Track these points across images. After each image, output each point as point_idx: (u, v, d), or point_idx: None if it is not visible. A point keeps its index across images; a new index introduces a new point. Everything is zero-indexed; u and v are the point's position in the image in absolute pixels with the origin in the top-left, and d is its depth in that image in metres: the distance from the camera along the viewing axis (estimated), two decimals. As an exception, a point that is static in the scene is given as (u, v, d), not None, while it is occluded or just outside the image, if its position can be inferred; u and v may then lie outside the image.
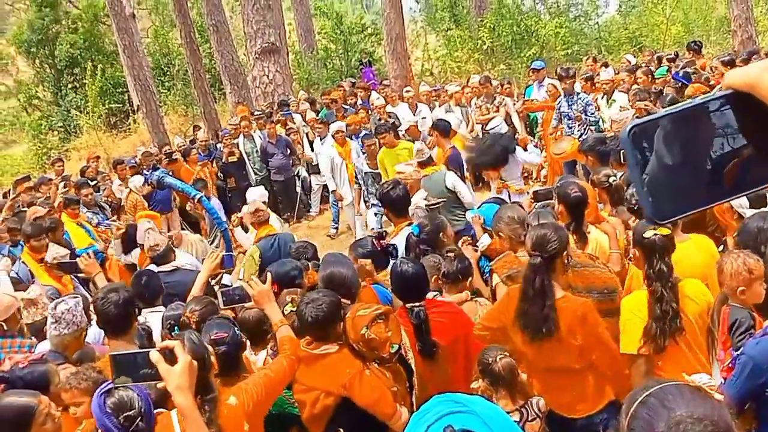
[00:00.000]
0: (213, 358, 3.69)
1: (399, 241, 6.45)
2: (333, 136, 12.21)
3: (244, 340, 4.39)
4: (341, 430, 4.14)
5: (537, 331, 4.35)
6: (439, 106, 14.01)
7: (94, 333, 5.45)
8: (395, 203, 6.94)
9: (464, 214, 7.78)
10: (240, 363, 4.22)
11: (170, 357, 2.73)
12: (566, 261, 4.54)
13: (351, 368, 4.13)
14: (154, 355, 2.71)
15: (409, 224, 6.63)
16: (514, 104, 13.37)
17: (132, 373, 2.82)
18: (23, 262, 8.21)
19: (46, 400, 3.65)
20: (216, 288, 5.95)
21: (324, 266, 5.03)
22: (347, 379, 4.09)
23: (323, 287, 4.66)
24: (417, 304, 4.71)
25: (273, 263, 5.77)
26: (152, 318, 5.70)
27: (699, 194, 0.89)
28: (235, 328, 4.23)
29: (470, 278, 5.48)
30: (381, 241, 5.86)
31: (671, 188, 0.88)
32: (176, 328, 5.02)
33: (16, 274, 7.92)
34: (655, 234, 4.35)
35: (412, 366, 4.53)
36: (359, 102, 15.53)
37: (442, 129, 9.97)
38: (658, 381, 2.05)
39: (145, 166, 13.70)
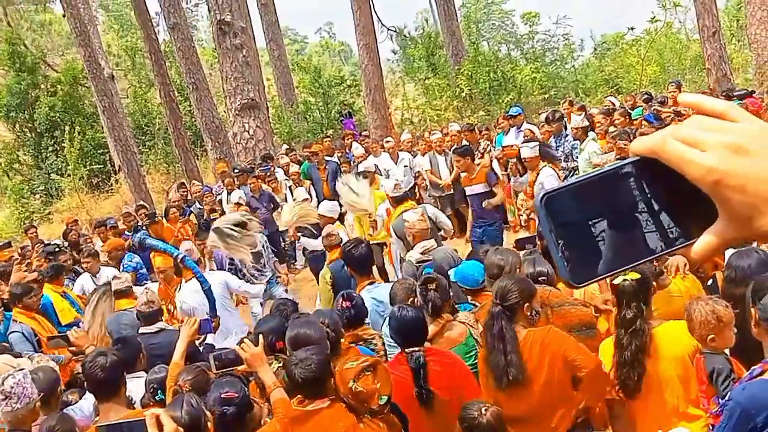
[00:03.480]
0: (210, 424, 3.64)
1: (364, 296, 6.38)
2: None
3: (253, 400, 4.29)
4: None
5: (501, 377, 4.43)
6: (422, 155, 14.02)
7: (87, 405, 5.33)
8: (358, 261, 6.93)
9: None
10: (245, 424, 4.16)
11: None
12: (531, 313, 4.64)
13: (344, 422, 4.11)
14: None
15: (371, 283, 6.74)
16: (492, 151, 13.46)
17: None
18: (21, 322, 8.16)
19: None
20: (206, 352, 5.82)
21: (291, 328, 4.96)
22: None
23: (290, 348, 4.63)
24: (416, 349, 4.71)
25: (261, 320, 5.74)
26: (132, 385, 5.56)
27: (615, 257, 0.90)
28: (246, 388, 4.15)
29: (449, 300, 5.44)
30: (345, 303, 5.78)
31: (586, 253, 0.90)
32: (159, 391, 4.92)
33: (23, 333, 7.92)
34: (625, 280, 4.37)
35: (406, 416, 4.48)
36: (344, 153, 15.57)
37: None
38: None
39: (126, 227, 13.63)
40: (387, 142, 14.53)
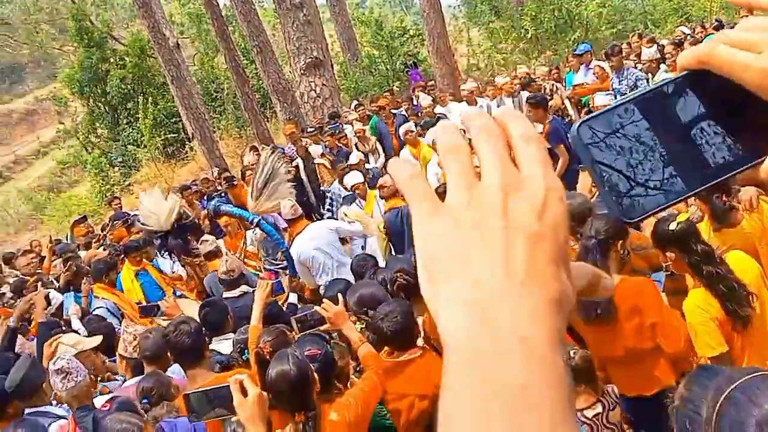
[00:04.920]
0: (316, 375, 3.73)
1: None
2: (404, 137, 12.17)
3: (336, 357, 4.38)
4: None
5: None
6: (491, 100, 13.85)
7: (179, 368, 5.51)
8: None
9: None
10: (333, 380, 4.23)
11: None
12: (623, 251, 4.47)
13: (439, 366, 4.11)
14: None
15: None
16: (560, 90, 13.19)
17: (205, 410, 2.84)
18: (103, 298, 8.35)
19: (150, 427, 3.73)
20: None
21: (352, 291, 5.05)
22: (439, 378, 4.09)
23: (356, 309, 4.71)
24: None
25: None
26: (221, 347, 5.74)
27: (671, 186, 0.80)
28: (328, 345, 4.23)
29: None
30: None
31: (636, 184, 0.80)
32: (246, 351, 5.06)
33: (107, 308, 8.10)
34: (678, 223, 4.21)
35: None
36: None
37: (539, 103, 9.94)
38: (741, 371, 1.96)
39: (206, 192, 13.92)
40: (464, 90, 14.28)
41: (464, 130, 0.77)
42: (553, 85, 13.32)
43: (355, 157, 11.27)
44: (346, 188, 10.44)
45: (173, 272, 9.74)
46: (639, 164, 0.80)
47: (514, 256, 0.66)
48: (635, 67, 12.02)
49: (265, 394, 2.82)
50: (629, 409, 4.32)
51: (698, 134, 0.81)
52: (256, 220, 7.96)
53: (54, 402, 5.30)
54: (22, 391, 4.98)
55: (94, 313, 7.96)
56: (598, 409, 4.05)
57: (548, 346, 0.63)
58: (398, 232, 7.86)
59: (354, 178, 10.04)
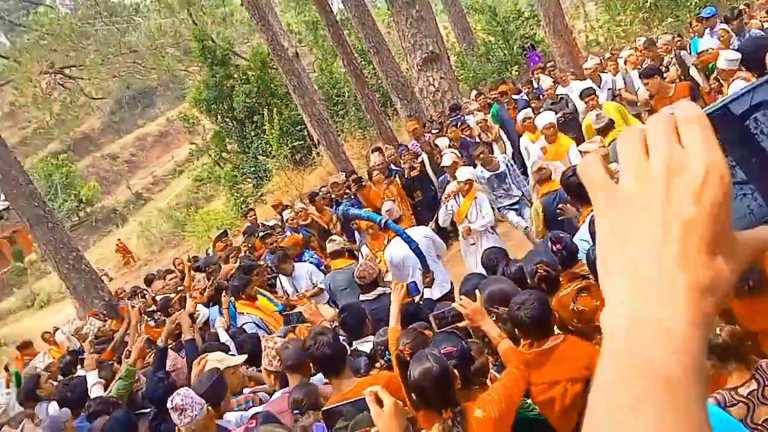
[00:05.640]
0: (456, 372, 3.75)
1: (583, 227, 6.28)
2: (522, 124, 12.01)
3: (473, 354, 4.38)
4: None
5: (741, 284, 4.09)
6: (614, 75, 13.46)
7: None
8: (580, 189, 6.75)
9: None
10: (472, 376, 4.22)
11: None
12: None
13: (585, 349, 4.23)
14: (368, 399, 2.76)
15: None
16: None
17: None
18: (247, 313, 8.57)
19: None
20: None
21: (484, 285, 5.04)
22: (588, 360, 4.15)
23: (488, 305, 4.68)
24: None
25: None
26: (363, 348, 5.82)
27: None
28: (463, 342, 4.24)
29: None
30: (555, 246, 5.69)
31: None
32: (387, 352, 5.11)
33: (255, 323, 8.32)
34: None
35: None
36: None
37: (650, 73, 10.00)
38: None
39: (336, 196, 14.18)
40: (586, 68, 13.93)
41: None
42: (671, 58, 12.79)
43: (448, 159, 11.01)
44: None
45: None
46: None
47: (670, 244, 0.68)
48: (761, 29, 11.39)
49: (401, 403, 2.84)
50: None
51: None
52: (383, 221, 8.06)
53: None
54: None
55: (241, 326, 8.20)
56: (753, 386, 3.86)
57: (690, 335, 0.65)
58: (554, 216, 7.89)
59: (465, 172, 9.96)
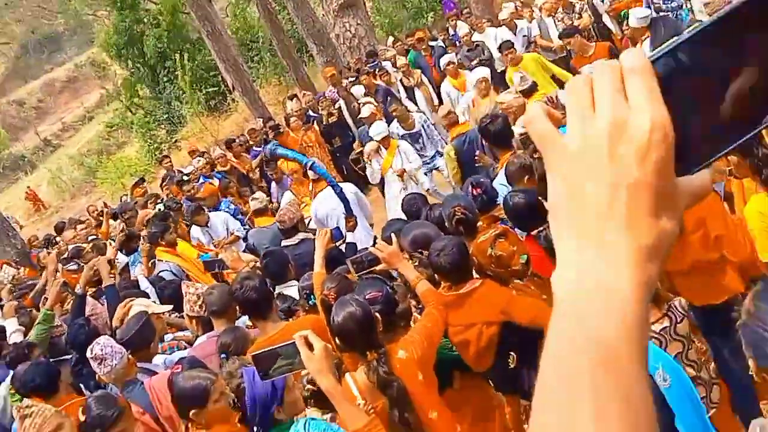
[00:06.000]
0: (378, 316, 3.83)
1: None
2: (445, 69, 12.06)
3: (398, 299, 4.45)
4: (513, 354, 4.33)
5: None
6: (529, 22, 13.59)
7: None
8: (496, 135, 6.90)
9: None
10: (396, 319, 4.30)
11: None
12: None
13: (501, 293, 4.36)
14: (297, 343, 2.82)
15: (513, 153, 6.55)
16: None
17: (275, 367, 2.94)
18: (166, 261, 8.43)
19: (222, 380, 3.82)
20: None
21: (406, 231, 5.13)
22: (504, 304, 4.30)
23: (411, 250, 4.78)
24: (541, 228, 4.77)
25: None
26: (288, 293, 5.88)
27: (719, 136, 0.74)
28: (387, 287, 4.32)
29: None
30: (475, 190, 5.80)
31: (690, 136, 0.72)
32: (312, 296, 5.17)
33: (171, 271, 8.20)
34: None
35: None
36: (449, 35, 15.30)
37: (570, 34, 10.36)
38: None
39: (254, 142, 14.04)
40: (502, 18, 14.00)
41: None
42: (584, 5, 12.97)
43: (367, 111, 11.00)
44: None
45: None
46: (687, 115, 0.73)
47: (615, 208, 0.69)
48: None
49: (330, 346, 2.91)
50: (699, 318, 4.34)
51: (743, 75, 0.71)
52: (309, 163, 8.10)
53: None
54: (133, 346, 5.22)
55: (159, 274, 8.11)
56: (665, 323, 4.06)
57: (632, 297, 0.66)
58: (468, 158, 8.01)
59: (378, 128, 9.99)
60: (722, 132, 0.73)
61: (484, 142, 7.51)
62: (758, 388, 4.13)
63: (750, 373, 2.04)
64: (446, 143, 9.83)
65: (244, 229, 10.21)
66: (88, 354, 5.02)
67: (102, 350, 4.93)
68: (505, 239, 4.41)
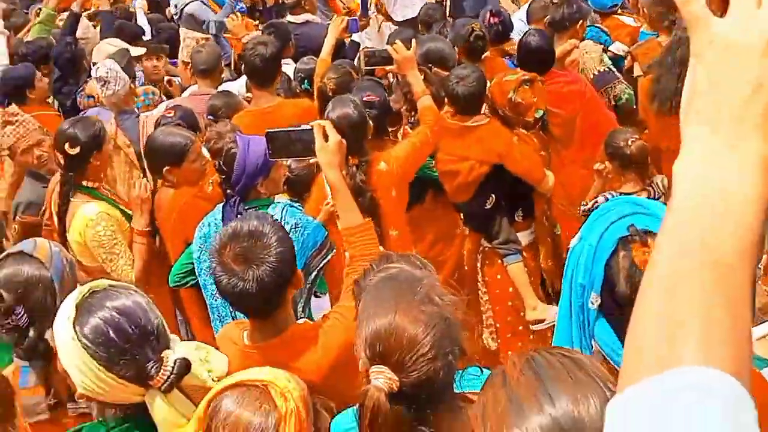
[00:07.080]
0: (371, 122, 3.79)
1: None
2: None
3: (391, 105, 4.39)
4: (494, 196, 4.38)
5: (665, 102, 4.30)
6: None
7: (239, 86, 5.62)
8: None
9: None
10: (387, 127, 4.28)
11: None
12: None
13: (503, 137, 4.31)
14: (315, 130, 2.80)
15: None
16: None
17: (286, 149, 2.96)
18: None
19: (199, 143, 3.82)
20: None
21: (422, 44, 4.85)
22: (502, 148, 4.26)
23: (422, 63, 4.63)
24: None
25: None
26: (283, 70, 5.81)
27: None
28: (385, 92, 4.27)
29: None
30: (493, 18, 5.63)
31: None
32: (305, 81, 5.14)
33: None
34: None
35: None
36: None
37: None
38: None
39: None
40: None
41: None
42: None
43: None
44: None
45: None
46: None
47: (754, 107, 0.66)
48: None
49: (344, 141, 2.90)
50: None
51: None
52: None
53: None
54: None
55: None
56: (644, 195, 4.11)
57: (751, 209, 0.64)
58: None
59: None
60: None
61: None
62: None
63: None
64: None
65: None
66: (93, 73, 5.02)
67: (107, 73, 4.90)
68: (530, 87, 4.32)
